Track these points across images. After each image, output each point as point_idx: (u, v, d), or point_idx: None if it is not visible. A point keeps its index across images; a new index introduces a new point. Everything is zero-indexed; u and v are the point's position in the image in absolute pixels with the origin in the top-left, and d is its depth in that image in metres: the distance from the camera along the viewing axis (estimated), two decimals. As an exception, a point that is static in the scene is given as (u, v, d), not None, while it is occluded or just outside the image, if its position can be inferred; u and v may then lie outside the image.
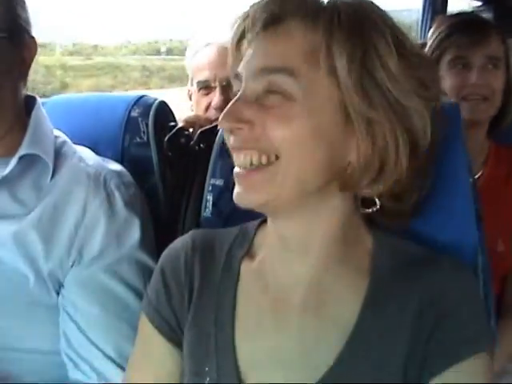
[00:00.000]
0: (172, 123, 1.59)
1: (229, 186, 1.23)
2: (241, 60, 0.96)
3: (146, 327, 1.08)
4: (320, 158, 0.90)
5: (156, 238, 1.39)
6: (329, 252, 0.97)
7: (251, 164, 0.90)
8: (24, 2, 1.34)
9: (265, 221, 1.06)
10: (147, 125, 1.51)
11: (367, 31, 0.89)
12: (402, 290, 0.94)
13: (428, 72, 0.94)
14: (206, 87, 2.06)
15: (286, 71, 0.88)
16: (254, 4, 0.96)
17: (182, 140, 1.56)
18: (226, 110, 0.91)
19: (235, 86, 0.97)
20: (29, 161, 1.30)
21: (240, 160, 0.92)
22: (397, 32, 0.92)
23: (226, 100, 2.01)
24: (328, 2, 0.92)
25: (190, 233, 1.12)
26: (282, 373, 0.95)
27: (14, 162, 1.28)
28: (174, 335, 1.06)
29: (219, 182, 1.27)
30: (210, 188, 1.28)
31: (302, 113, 0.88)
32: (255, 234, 1.07)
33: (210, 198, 1.27)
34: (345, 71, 0.87)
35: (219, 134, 1.28)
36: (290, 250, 0.99)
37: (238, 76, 0.95)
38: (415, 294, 0.93)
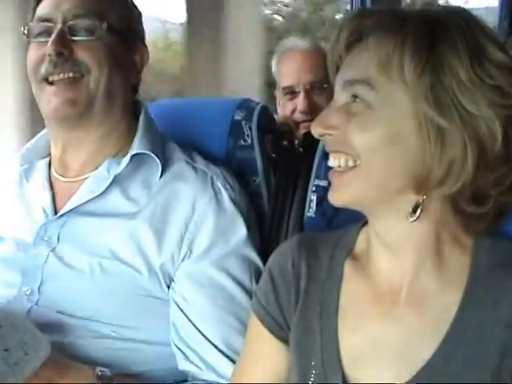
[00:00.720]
0: (274, 126, 1.64)
1: (333, 187, 1.27)
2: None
3: (256, 326, 1.15)
4: (397, 163, 0.97)
5: (260, 236, 1.45)
6: (427, 250, 1.01)
7: (339, 166, 0.99)
8: (141, 17, 1.47)
9: (366, 223, 1.11)
10: (251, 128, 1.56)
11: (438, 41, 0.94)
12: (500, 286, 0.97)
13: (509, 79, 0.96)
14: (290, 92, 2.13)
15: (364, 82, 0.97)
16: (343, 20, 1.06)
17: (285, 142, 1.60)
18: (317, 117, 1.02)
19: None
20: (138, 160, 1.39)
21: (331, 161, 1.01)
22: (476, 38, 0.95)
23: (310, 103, 2.08)
24: (400, 13, 0.99)
25: (296, 236, 1.18)
26: (382, 365, 0.99)
27: (126, 160, 1.37)
28: (282, 332, 1.12)
29: (323, 183, 1.30)
30: (314, 188, 1.32)
31: (379, 121, 0.96)
32: (357, 236, 1.12)
33: (313, 198, 1.31)
34: (415, 82, 0.93)
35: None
36: (389, 248, 1.03)
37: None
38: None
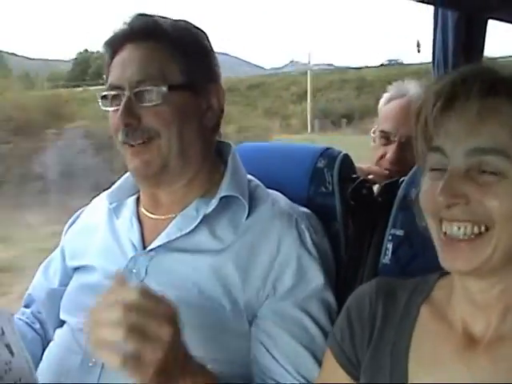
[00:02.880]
0: (354, 175, 1.69)
1: (408, 237, 1.33)
2: (438, 133, 1.05)
3: (330, 360, 1.21)
4: None
5: (336, 281, 1.49)
6: (507, 304, 1.05)
7: (465, 234, 1.01)
8: (213, 57, 1.54)
9: (444, 274, 1.15)
10: (332, 176, 1.62)
11: None
12: None
13: None
14: (386, 137, 2.12)
15: (499, 153, 0.99)
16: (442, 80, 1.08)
17: (364, 191, 1.65)
18: (443, 185, 1.00)
19: (432, 157, 1.07)
20: (226, 202, 1.46)
21: (453, 230, 1.02)
22: None
23: (400, 157, 2.06)
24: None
25: (376, 279, 1.24)
26: None
27: (215, 202, 1.45)
28: (353, 369, 1.17)
29: (399, 233, 1.35)
30: (390, 237, 1.36)
31: None
32: (435, 284, 1.17)
33: (389, 246, 1.36)
34: None
35: (401, 187, 1.37)
36: (473, 303, 1.07)
37: (438, 149, 1.05)
38: None
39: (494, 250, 0.99)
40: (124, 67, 1.45)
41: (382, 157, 2.14)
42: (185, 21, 1.53)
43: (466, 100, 1.01)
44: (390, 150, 2.11)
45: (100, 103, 1.49)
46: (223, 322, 1.39)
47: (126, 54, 1.46)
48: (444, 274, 1.15)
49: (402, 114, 2.10)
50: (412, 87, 2.21)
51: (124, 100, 1.42)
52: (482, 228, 0.99)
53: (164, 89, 1.41)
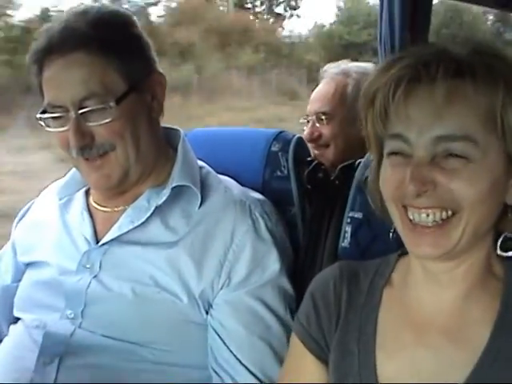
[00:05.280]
0: (309, 158, 1.68)
1: (367, 219, 1.31)
2: (391, 119, 1.02)
3: (297, 347, 1.19)
4: (494, 208, 1.01)
5: (295, 266, 1.48)
6: (471, 283, 1.05)
7: (432, 221, 0.99)
8: (148, 44, 1.46)
9: (403, 253, 1.15)
10: (287, 159, 1.60)
11: None
12: None
13: None
14: (308, 121, 2.13)
15: (466, 138, 0.96)
16: (391, 62, 1.03)
17: (320, 174, 1.64)
18: (412, 174, 0.97)
19: (393, 144, 1.02)
20: (178, 191, 1.43)
21: (421, 217, 1.00)
22: None
23: (311, 133, 2.07)
24: (488, 63, 0.99)
25: (338, 263, 1.22)
26: None
27: (166, 192, 1.42)
28: (322, 354, 1.16)
29: (358, 215, 1.34)
30: (349, 220, 1.35)
31: (482, 173, 0.97)
32: (395, 265, 1.16)
33: (348, 229, 1.35)
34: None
35: (359, 169, 1.36)
36: (436, 283, 1.07)
37: (400, 136, 1.01)
38: None
39: (462, 234, 0.99)
40: (61, 85, 1.36)
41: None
42: (109, 9, 1.43)
43: (430, 84, 0.97)
44: (306, 131, 2.11)
45: (41, 123, 1.41)
46: (180, 314, 1.37)
47: (57, 69, 1.37)
48: (403, 253, 1.15)
49: (316, 95, 2.12)
50: (335, 67, 2.19)
51: (72, 121, 1.35)
52: (450, 213, 0.98)
53: (112, 104, 1.35)
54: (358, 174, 1.35)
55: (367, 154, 1.34)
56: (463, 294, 1.05)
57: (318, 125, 2.06)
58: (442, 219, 0.98)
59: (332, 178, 1.66)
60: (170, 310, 1.36)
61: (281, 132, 1.68)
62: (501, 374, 0.97)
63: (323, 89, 2.10)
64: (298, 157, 1.62)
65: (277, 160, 1.62)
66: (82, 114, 1.35)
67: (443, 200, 0.97)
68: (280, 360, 1.34)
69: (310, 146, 2.04)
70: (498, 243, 1.05)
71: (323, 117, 2.05)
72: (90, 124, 1.35)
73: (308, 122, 2.11)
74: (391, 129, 1.02)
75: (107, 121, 1.35)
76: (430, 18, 2.84)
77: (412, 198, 0.98)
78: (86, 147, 1.36)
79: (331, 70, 2.14)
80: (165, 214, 1.43)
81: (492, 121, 0.97)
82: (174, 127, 1.57)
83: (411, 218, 1.01)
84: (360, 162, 1.37)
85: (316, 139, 2.06)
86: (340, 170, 1.65)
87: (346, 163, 1.66)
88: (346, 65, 2.16)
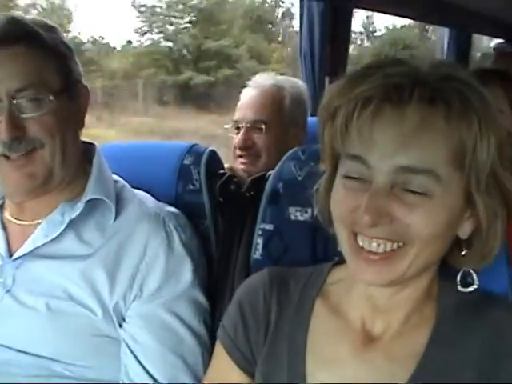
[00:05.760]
0: (222, 171, 1.68)
1: (278, 230, 1.33)
2: (353, 139, 0.96)
3: (222, 358, 1.16)
4: (446, 242, 1.00)
5: (208, 279, 1.48)
6: (411, 307, 1.05)
7: (383, 251, 0.96)
8: (73, 54, 1.45)
9: (337, 263, 1.14)
10: (199, 172, 1.60)
11: (497, 128, 0.95)
12: (464, 328, 1.02)
13: None
14: (237, 127, 2.11)
15: (430, 173, 0.92)
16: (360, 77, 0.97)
17: (232, 187, 1.64)
18: (368, 204, 0.92)
19: (351, 166, 0.97)
20: (92, 204, 1.41)
21: (372, 246, 0.96)
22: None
23: (245, 141, 2.05)
24: (462, 92, 0.94)
25: (267, 269, 1.19)
26: None
27: (81, 206, 1.39)
28: (248, 366, 1.13)
29: (269, 227, 1.35)
30: (260, 232, 1.36)
31: (440, 209, 0.94)
32: (328, 275, 1.15)
33: (259, 241, 1.36)
34: (482, 169, 0.94)
35: (269, 181, 1.37)
36: (376, 306, 1.06)
37: (359, 159, 0.95)
38: (478, 333, 1.00)
39: (409, 265, 0.97)
40: None
41: (235, 146, 2.12)
42: (39, 18, 1.44)
43: (401, 108, 0.92)
44: (238, 137, 2.09)
45: None
46: (95, 328, 1.35)
47: None
48: (336, 263, 1.14)
49: (248, 103, 2.10)
50: (264, 79, 2.20)
51: (6, 111, 1.31)
52: (401, 244, 0.96)
53: (49, 98, 1.33)
54: (268, 185, 1.36)
55: (277, 166, 1.36)
56: (403, 317, 1.05)
57: (252, 134, 2.05)
58: (392, 249, 0.96)
59: (243, 190, 1.67)
60: (85, 325, 1.34)
61: (194, 145, 1.68)
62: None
63: (257, 98, 2.08)
64: (210, 170, 1.62)
65: (189, 173, 1.62)
66: (17, 104, 1.32)
67: (397, 233, 0.94)
68: (193, 373, 1.33)
69: (236, 154, 2.06)
70: (458, 279, 1.04)
71: (262, 126, 2.04)
72: (24, 116, 1.32)
73: (238, 128, 2.09)
74: (351, 149, 0.96)
75: (42, 112, 1.33)
76: (350, 29, 2.90)
77: (365, 228, 0.95)
78: (16, 140, 1.32)
79: (263, 81, 2.14)
80: (79, 227, 1.41)
81: (460, 157, 0.93)
82: (90, 141, 1.55)
83: (360, 244, 0.97)
84: (270, 174, 1.38)
85: (248, 147, 2.04)
86: (251, 182, 1.67)
87: (256, 175, 1.67)
88: (275, 78, 2.17)
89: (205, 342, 1.38)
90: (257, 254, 1.36)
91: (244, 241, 1.57)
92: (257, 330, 1.12)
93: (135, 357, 1.34)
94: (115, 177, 1.53)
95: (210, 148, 1.68)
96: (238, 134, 2.10)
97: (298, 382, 1.05)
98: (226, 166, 1.89)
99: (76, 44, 10.79)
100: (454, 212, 0.96)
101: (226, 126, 2.15)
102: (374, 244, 0.95)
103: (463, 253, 1.03)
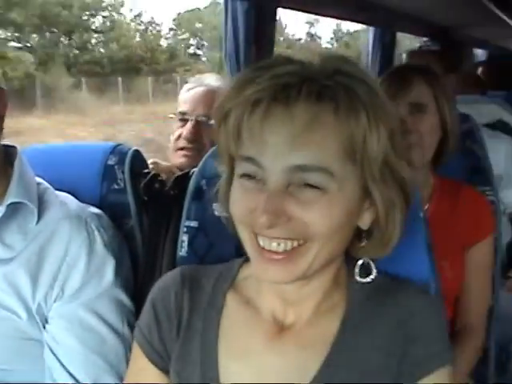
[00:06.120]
0: (146, 170, 1.68)
1: (203, 227, 1.34)
2: (245, 141, 0.96)
3: (139, 358, 1.16)
4: (347, 234, 1.01)
5: (135, 277, 1.48)
6: (319, 298, 1.08)
7: (284, 250, 0.96)
8: None
9: (248, 259, 1.13)
10: (123, 172, 1.61)
11: (387, 119, 0.97)
12: (373, 314, 1.05)
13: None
14: (183, 119, 2.09)
15: (323, 171, 0.92)
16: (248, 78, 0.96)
17: (157, 185, 1.65)
18: (264, 205, 0.92)
19: (246, 167, 0.97)
20: (14, 207, 1.39)
21: (272, 246, 0.96)
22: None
23: (195, 134, 2.04)
24: (350, 87, 0.95)
25: (179, 268, 1.20)
26: None
27: (2, 210, 1.37)
28: (164, 365, 1.13)
29: (194, 224, 1.35)
30: (185, 229, 1.36)
31: (337, 204, 0.94)
32: (239, 271, 1.16)
33: (185, 238, 1.36)
34: (375, 161, 0.95)
35: (192, 178, 1.38)
36: (285, 300, 1.08)
37: (253, 160, 0.96)
38: (386, 317, 1.04)
39: (312, 261, 0.97)
40: None
41: (179, 137, 2.09)
42: None
43: (289, 109, 0.92)
44: (186, 129, 2.06)
45: None
46: (20, 332, 1.34)
47: None
48: (247, 259, 1.14)
49: (199, 97, 2.09)
50: (211, 79, 2.20)
51: None
52: (301, 241, 0.96)
53: None
54: (191, 183, 1.37)
55: (200, 163, 1.37)
56: (313, 307, 1.07)
57: (200, 127, 2.03)
58: (293, 247, 0.96)
59: (167, 188, 1.68)
60: (10, 328, 1.33)
61: (117, 145, 1.68)
62: (347, 372, 1.01)
63: (207, 95, 2.07)
64: (134, 169, 1.63)
65: (113, 173, 1.62)
66: None
67: (296, 231, 0.95)
68: (117, 374, 1.34)
69: (177, 146, 2.04)
70: (356, 270, 1.07)
71: (211, 121, 1.98)
72: None
73: (185, 120, 2.07)
74: (244, 150, 0.96)
75: None
76: (274, 30, 2.92)
77: (263, 229, 0.95)
78: None
79: (210, 81, 2.14)
80: (1, 230, 1.38)
81: (351, 151, 0.94)
82: (11, 144, 1.52)
83: (261, 244, 0.98)
84: (194, 172, 1.39)
85: (195, 141, 2.02)
86: (175, 180, 1.67)
87: (180, 173, 1.68)
88: (220, 79, 2.18)
89: (129, 342, 1.37)
90: (182, 251, 1.36)
91: (169, 239, 1.58)
92: (169, 328, 1.13)
93: (57, 358, 1.34)
94: (38, 179, 1.51)
95: (134, 148, 1.69)
96: (183, 126, 2.08)
97: (211, 375, 1.06)
98: (150, 160, 1.89)
99: None
100: (351, 205, 0.97)
101: (171, 116, 2.14)
102: (274, 244, 0.95)
103: (362, 244, 1.06)
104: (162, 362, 1.13)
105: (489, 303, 1.84)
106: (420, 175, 1.77)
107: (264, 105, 0.92)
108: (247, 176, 0.97)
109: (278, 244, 0.95)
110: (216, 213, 1.28)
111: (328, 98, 0.93)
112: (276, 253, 0.96)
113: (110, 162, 1.63)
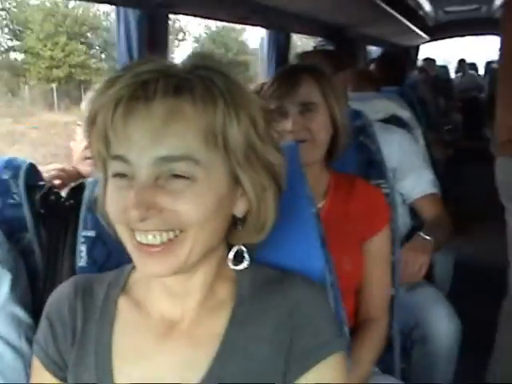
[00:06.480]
0: (41, 182, 1.66)
1: (100, 236, 1.33)
2: (112, 140, 0.98)
3: (39, 370, 1.16)
4: (222, 222, 1.04)
5: (36, 290, 1.46)
6: (205, 291, 1.10)
7: (160, 242, 0.98)
8: None
9: None
10: (18, 186, 1.59)
11: (247, 105, 1.00)
12: (261, 307, 1.08)
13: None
14: None
15: (187, 159, 0.95)
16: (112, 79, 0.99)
17: (52, 197, 1.63)
18: (134, 199, 0.94)
19: (115, 166, 0.99)
20: None
21: (148, 239, 0.98)
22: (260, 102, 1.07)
23: None
24: (207, 78, 0.99)
25: (72, 278, 1.20)
26: None
27: None
28: (63, 375, 1.13)
29: (91, 234, 1.35)
30: (83, 239, 1.35)
31: (206, 191, 0.97)
32: (129, 275, 1.18)
33: (83, 248, 1.35)
34: (238, 146, 0.99)
35: (87, 188, 1.37)
36: (172, 295, 1.10)
37: (121, 158, 0.98)
38: (274, 309, 1.07)
39: (190, 251, 1.00)
40: None
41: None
42: None
43: (148, 104, 0.95)
44: None
45: None
46: None
47: None
48: None
49: None
50: None
51: None
52: (177, 232, 0.98)
53: None
54: (86, 193, 1.36)
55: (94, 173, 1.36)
56: (199, 302, 1.09)
57: None
58: (170, 239, 0.98)
59: (63, 199, 1.66)
60: None
61: (10, 159, 1.66)
62: (237, 366, 1.04)
63: None
64: (29, 182, 1.61)
65: (8, 188, 1.60)
66: None
67: (169, 222, 0.97)
68: None
69: (84, 156, 2.03)
70: (230, 257, 1.10)
71: None
72: None
73: None
74: (113, 150, 0.99)
75: None
76: (167, 33, 2.91)
77: (137, 223, 0.97)
78: None
79: None
80: None
81: (213, 139, 0.97)
82: None
83: (138, 239, 1.00)
84: (88, 182, 1.38)
85: None
86: (71, 191, 1.66)
87: (74, 184, 1.66)
88: None
89: (28, 357, 1.36)
90: (82, 261, 1.35)
91: (68, 250, 1.56)
92: (65, 338, 1.13)
93: None
94: None
95: (29, 161, 1.66)
96: None
97: (106, 379, 1.07)
98: (57, 166, 1.86)
99: None
100: (221, 192, 1.00)
101: None
102: (150, 237, 0.98)
103: (238, 231, 1.09)
104: (60, 372, 1.13)
105: (389, 293, 1.89)
106: (313, 171, 1.80)
107: (124, 103, 0.95)
108: (119, 175, 0.99)
109: (154, 236, 0.97)
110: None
111: (186, 91, 0.97)
112: (153, 246, 0.98)
113: (5, 177, 1.61)
